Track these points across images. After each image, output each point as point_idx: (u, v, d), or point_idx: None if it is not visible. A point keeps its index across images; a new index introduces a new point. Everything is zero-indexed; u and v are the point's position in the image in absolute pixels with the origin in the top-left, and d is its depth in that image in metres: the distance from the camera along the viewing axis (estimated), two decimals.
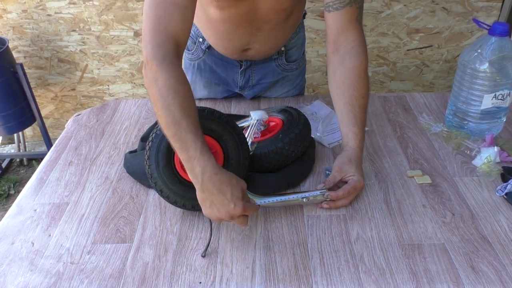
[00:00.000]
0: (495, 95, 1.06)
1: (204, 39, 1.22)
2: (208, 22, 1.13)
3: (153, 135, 0.91)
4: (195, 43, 1.25)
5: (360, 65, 1.00)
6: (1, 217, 1.03)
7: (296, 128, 1.01)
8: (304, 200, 0.92)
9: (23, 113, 2.19)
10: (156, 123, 1.18)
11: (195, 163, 0.80)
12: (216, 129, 0.92)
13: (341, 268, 0.80)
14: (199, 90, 1.34)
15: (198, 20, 1.17)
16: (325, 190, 0.93)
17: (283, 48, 1.24)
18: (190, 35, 1.23)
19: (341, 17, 1.00)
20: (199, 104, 1.33)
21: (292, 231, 0.89)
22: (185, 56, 1.32)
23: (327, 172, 1.03)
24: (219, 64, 1.27)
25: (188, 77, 1.33)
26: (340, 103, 1.00)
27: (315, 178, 1.03)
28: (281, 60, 1.26)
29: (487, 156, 1.03)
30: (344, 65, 1.00)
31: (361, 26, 1.03)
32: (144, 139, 1.10)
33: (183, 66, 1.35)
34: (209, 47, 1.23)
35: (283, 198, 0.92)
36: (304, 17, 1.28)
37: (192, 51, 1.28)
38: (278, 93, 1.35)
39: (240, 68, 1.26)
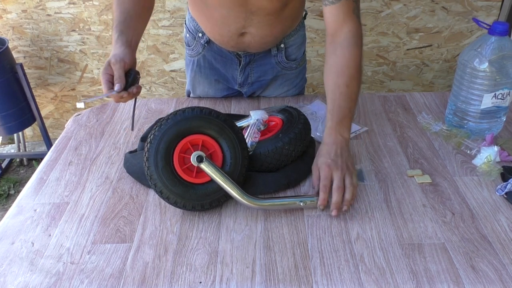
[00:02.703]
0: (495, 94, 1.06)
1: (203, 34, 1.24)
2: (204, 8, 1.15)
3: (151, 136, 0.90)
4: (194, 38, 1.27)
5: (350, 55, 1.01)
6: (1, 217, 1.03)
7: (296, 127, 1.01)
8: (301, 204, 0.92)
9: (23, 113, 2.19)
10: (155, 123, 1.18)
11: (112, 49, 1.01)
12: (214, 128, 0.92)
13: (341, 267, 0.80)
14: (199, 87, 1.36)
15: (196, 9, 1.20)
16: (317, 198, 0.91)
17: (282, 45, 1.24)
18: (190, 30, 1.28)
19: (337, 10, 1.02)
20: (199, 103, 1.34)
21: (292, 231, 0.89)
22: (186, 52, 1.34)
23: None
24: (219, 60, 1.28)
25: (188, 74, 1.37)
26: (326, 91, 1.02)
27: None
28: (281, 57, 1.26)
29: (487, 156, 1.03)
30: (335, 53, 1.02)
31: (358, 18, 1.04)
32: (144, 139, 1.10)
33: (184, 63, 1.38)
34: (208, 42, 1.25)
35: (281, 201, 0.93)
36: (305, 18, 1.29)
37: (192, 46, 1.29)
38: (278, 92, 1.35)
39: (240, 65, 1.27)
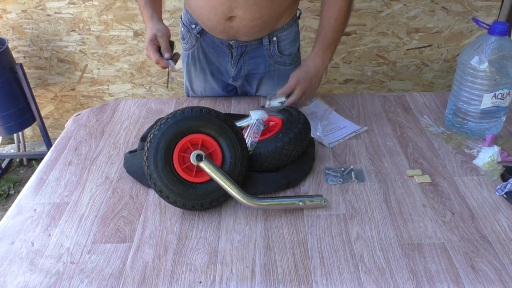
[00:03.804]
0: (494, 94, 1.06)
1: (196, 25, 1.26)
2: None
3: (151, 135, 0.91)
4: (188, 31, 1.30)
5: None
6: (1, 217, 1.03)
7: (295, 127, 1.01)
8: (301, 204, 0.92)
9: (23, 113, 2.19)
10: (155, 123, 1.18)
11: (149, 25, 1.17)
12: (214, 128, 0.92)
13: (341, 267, 0.80)
14: (195, 81, 1.38)
15: None
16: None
17: (275, 38, 1.25)
18: (184, 23, 1.31)
19: None
20: (199, 103, 1.34)
21: (292, 230, 0.89)
22: (181, 47, 1.37)
23: (327, 171, 1.03)
24: (212, 52, 1.30)
25: (184, 70, 1.40)
26: (320, 21, 1.21)
27: (315, 178, 1.03)
28: (273, 50, 1.28)
29: (490, 155, 1.03)
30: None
31: None
32: (144, 139, 1.10)
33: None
34: (201, 32, 1.27)
35: (280, 201, 0.93)
36: (299, 17, 1.30)
37: (187, 39, 1.32)
38: (275, 91, 1.35)
39: (232, 57, 1.28)
